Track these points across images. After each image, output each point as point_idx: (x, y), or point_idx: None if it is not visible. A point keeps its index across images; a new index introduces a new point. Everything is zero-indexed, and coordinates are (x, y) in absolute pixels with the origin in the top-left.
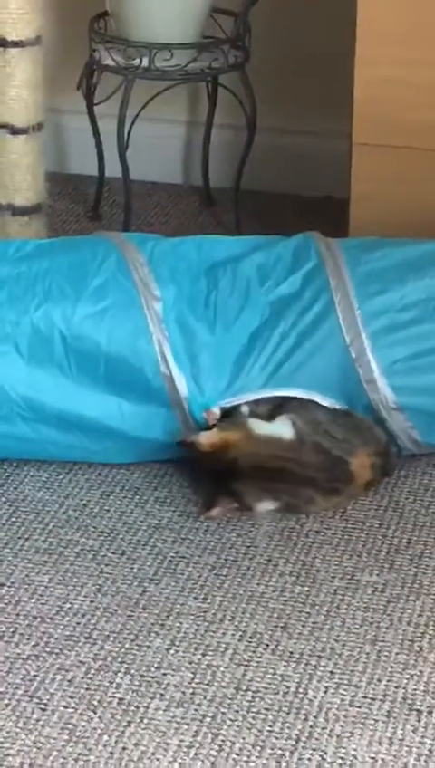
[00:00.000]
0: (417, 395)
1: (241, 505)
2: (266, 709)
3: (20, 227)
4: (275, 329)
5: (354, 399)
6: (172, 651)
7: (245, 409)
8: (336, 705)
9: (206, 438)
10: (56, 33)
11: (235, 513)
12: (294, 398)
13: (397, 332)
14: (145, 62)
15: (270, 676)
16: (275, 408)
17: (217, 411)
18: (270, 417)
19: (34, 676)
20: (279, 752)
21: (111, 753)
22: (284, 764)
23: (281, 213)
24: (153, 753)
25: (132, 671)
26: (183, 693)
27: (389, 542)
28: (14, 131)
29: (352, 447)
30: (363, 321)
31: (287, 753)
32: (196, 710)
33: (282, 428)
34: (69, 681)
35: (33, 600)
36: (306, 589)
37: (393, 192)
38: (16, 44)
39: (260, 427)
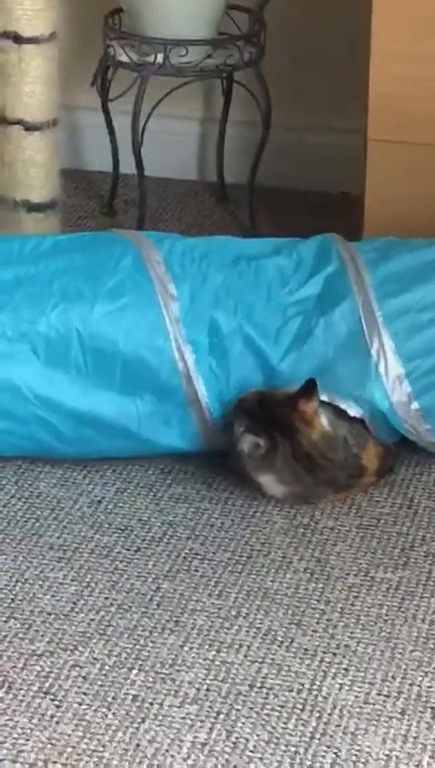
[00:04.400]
0: None
1: (262, 459)
2: (281, 706)
3: (35, 224)
4: (298, 329)
5: (376, 401)
6: (186, 648)
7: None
8: (350, 703)
9: (313, 405)
10: (71, 30)
11: (252, 455)
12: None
13: (418, 333)
14: (160, 59)
15: (284, 673)
16: None
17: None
18: None
19: (49, 672)
20: (293, 749)
21: (126, 749)
22: (298, 761)
23: (296, 209)
24: (167, 750)
25: (146, 668)
26: (197, 690)
27: (403, 539)
28: (29, 128)
29: (364, 441)
30: (384, 323)
31: (301, 750)
32: (210, 707)
33: (326, 424)
34: (83, 678)
35: (47, 597)
36: (320, 586)
37: (409, 188)
38: (31, 41)
39: (323, 422)
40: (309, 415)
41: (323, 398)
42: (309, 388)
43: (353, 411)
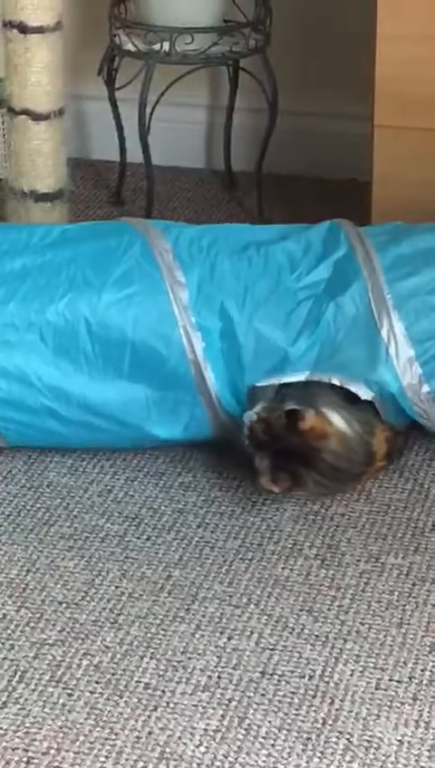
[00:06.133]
0: None
1: (292, 488)
2: (292, 693)
3: (43, 213)
4: (309, 314)
5: (386, 383)
6: (198, 636)
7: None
8: (362, 689)
9: (311, 419)
10: (76, 19)
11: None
12: (315, 383)
13: (428, 315)
14: (166, 47)
15: (296, 659)
16: (302, 394)
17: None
18: (304, 404)
19: (60, 661)
20: (305, 735)
21: (138, 737)
22: (310, 747)
23: (303, 196)
24: (179, 738)
25: (158, 656)
26: (209, 677)
27: (414, 524)
28: (36, 118)
29: (372, 428)
30: (394, 305)
31: (314, 737)
32: (222, 694)
33: (335, 419)
34: (95, 666)
35: (58, 586)
36: (331, 572)
37: (416, 173)
38: (36, 30)
39: (336, 422)
40: (318, 429)
41: (335, 381)
42: (291, 417)
43: (364, 394)
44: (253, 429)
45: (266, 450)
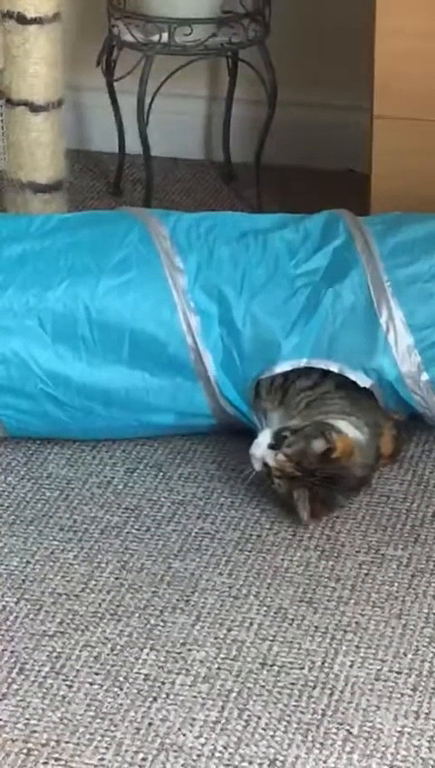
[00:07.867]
0: None
1: (328, 513)
2: (292, 684)
3: (41, 205)
4: (307, 300)
5: (384, 371)
6: (197, 627)
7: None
8: (362, 680)
9: (338, 444)
10: (75, 10)
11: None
12: (317, 384)
13: (427, 302)
14: (164, 38)
15: (295, 650)
16: (307, 406)
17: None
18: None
19: (60, 652)
20: (305, 726)
21: (138, 729)
22: (310, 739)
23: (302, 187)
24: (179, 729)
25: (158, 647)
26: (208, 668)
27: (413, 515)
28: (34, 109)
29: (379, 429)
30: (393, 293)
31: (313, 728)
32: (221, 685)
33: (350, 430)
34: (94, 658)
35: (58, 578)
36: (331, 563)
37: (415, 165)
38: (35, 21)
39: (350, 433)
40: (346, 452)
41: (333, 368)
42: (325, 453)
43: (363, 381)
44: (283, 468)
45: (299, 484)
